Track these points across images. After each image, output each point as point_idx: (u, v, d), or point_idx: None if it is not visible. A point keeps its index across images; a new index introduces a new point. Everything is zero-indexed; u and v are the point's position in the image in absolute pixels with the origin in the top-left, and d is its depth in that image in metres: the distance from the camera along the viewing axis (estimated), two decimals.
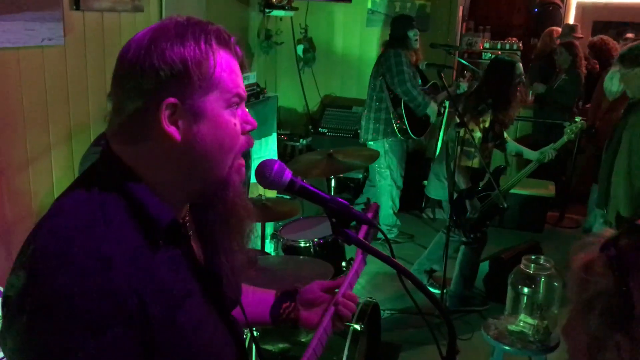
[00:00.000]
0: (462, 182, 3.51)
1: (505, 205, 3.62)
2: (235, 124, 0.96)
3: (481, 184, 3.65)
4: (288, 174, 1.06)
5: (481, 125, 3.49)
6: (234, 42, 0.98)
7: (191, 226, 1.03)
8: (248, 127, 0.98)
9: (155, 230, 0.92)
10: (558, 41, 5.70)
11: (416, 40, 4.50)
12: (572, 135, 3.55)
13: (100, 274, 0.83)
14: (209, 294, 1.01)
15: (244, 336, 1.25)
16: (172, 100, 0.89)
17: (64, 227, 0.87)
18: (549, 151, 3.59)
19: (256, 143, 4.13)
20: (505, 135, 3.76)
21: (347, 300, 1.28)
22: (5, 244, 2.45)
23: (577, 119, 3.66)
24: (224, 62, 0.94)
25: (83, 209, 0.89)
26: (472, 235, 3.67)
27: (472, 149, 3.44)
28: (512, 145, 3.85)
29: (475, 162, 3.50)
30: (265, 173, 1.05)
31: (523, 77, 3.56)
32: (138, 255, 0.88)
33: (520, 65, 3.54)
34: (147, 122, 0.91)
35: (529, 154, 3.79)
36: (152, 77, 0.89)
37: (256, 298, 1.32)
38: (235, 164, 0.98)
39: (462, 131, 3.37)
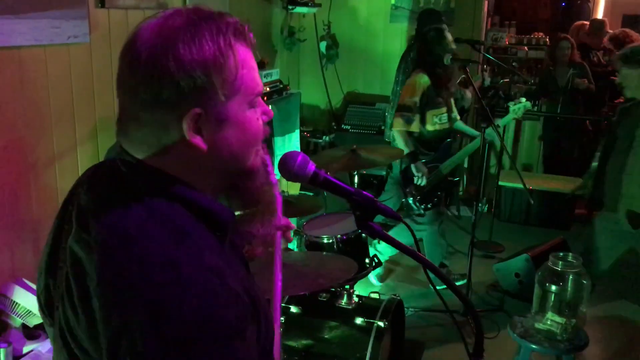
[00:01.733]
0: (402, 144, 3.58)
1: (532, 201, 3.57)
2: (257, 119, 0.93)
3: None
4: (312, 166, 1.04)
5: (417, 89, 3.53)
6: (248, 30, 0.91)
7: None
8: (265, 118, 0.95)
9: (223, 229, 0.90)
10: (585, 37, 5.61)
11: None
12: (518, 114, 3.58)
13: (221, 284, 0.81)
14: (251, 278, 1.01)
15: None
16: (196, 111, 0.84)
17: (154, 254, 0.80)
18: (487, 132, 3.59)
19: (279, 140, 4.13)
20: (454, 114, 3.80)
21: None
22: (34, 240, 2.49)
23: (522, 99, 3.67)
24: (243, 60, 0.88)
25: (155, 228, 0.82)
26: (422, 206, 3.65)
27: (410, 114, 3.50)
28: (459, 124, 3.88)
29: (414, 127, 3.54)
30: (288, 165, 1.04)
31: (453, 47, 3.57)
32: (223, 257, 0.87)
33: (450, 35, 3.58)
34: (168, 133, 0.86)
35: (473, 132, 3.85)
36: (172, 88, 0.82)
37: None
38: (257, 153, 0.96)
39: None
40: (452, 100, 3.81)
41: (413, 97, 3.51)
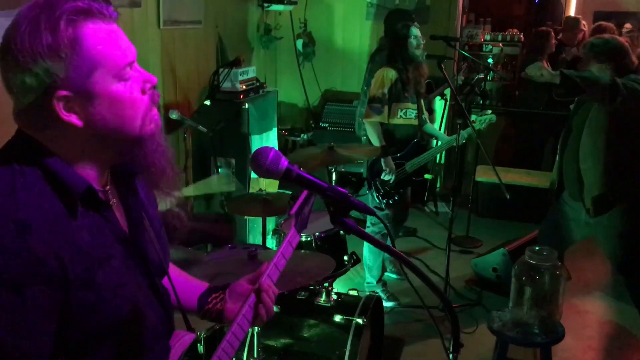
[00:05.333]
0: (374, 137, 3.58)
1: (508, 196, 3.60)
2: (131, 92, 0.98)
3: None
4: (284, 162, 1.03)
5: (386, 82, 3.55)
6: (103, 6, 0.95)
7: (114, 195, 1.08)
8: (148, 85, 1.00)
9: (72, 197, 0.97)
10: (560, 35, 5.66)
11: None
12: (482, 126, 3.68)
13: (17, 237, 0.89)
14: (132, 258, 1.06)
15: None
16: (62, 92, 0.92)
17: None
18: (462, 134, 3.65)
19: (257, 138, 4.11)
20: (425, 115, 3.87)
21: (268, 288, 1.25)
22: None
23: (488, 111, 3.77)
24: (96, 36, 0.93)
25: (3, 178, 0.94)
26: (385, 201, 3.70)
27: (379, 105, 3.54)
28: (429, 127, 3.95)
29: (383, 117, 3.56)
30: (260, 161, 1.03)
31: (420, 38, 3.61)
32: (57, 220, 0.94)
33: (415, 28, 3.62)
34: (45, 113, 0.94)
35: (442, 137, 3.96)
36: (30, 74, 0.91)
37: (189, 285, 1.35)
38: (146, 121, 1.01)
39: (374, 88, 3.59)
40: (423, 102, 3.83)
41: (382, 88, 3.56)
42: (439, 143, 4.04)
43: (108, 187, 1.07)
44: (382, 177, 3.62)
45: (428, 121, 3.97)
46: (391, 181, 3.63)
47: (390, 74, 3.57)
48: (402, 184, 3.72)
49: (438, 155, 5.47)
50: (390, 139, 3.64)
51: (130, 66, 0.98)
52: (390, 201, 3.71)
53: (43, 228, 0.91)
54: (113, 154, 1.03)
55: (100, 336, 1.00)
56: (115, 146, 1.01)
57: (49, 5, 0.92)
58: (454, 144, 3.67)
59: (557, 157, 3.21)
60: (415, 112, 3.68)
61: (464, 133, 3.64)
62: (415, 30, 3.61)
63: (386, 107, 3.55)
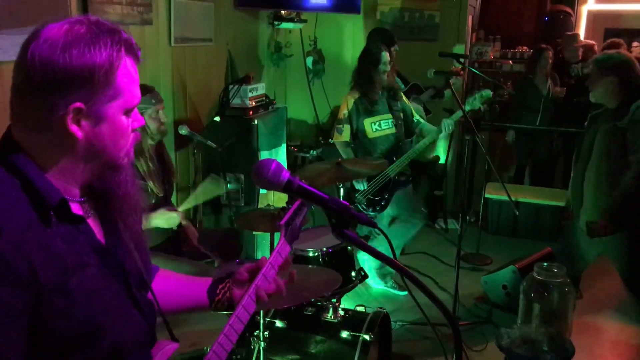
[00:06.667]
0: (342, 153, 3.83)
1: (517, 212, 3.59)
2: (128, 127, 1.09)
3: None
4: (286, 174, 1.04)
5: (348, 105, 3.86)
6: (137, 48, 1.07)
7: (91, 206, 1.13)
8: (136, 125, 1.11)
9: (46, 207, 1.01)
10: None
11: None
12: (479, 104, 3.67)
13: None
14: (108, 268, 1.10)
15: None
16: (78, 104, 0.99)
17: None
18: (448, 122, 3.73)
19: (266, 154, 4.13)
20: (417, 117, 4.02)
21: (267, 279, 1.30)
22: None
23: (483, 91, 3.77)
24: (128, 72, 1.05)
25: None
26: (370, 210, 3.85)
27: (340, 125, 3.87)
28: (424, 125, 4.02)
29: (345, 136, 3.83)
30: (262, 173, 1.04)
31: (388, 64, 3.81)
32: (30, 226, 0.98)
33: (386, 54, 3.79)
34: (50, 116, 1.00)
35: (429, 130, 4.00)
36: (62, 79, 0.97)
37: (194, 283, 1.39)
38: (127, 153, 1.11)
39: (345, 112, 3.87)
40: (410, 105, 4.02)
41: (343, 110, 3.86)
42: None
43: (84, 198, 1.11)
44: (356, 187, 3.79)
45: (422, 120, 4.06)
46: (364, 188, 3.77)
47: (351, 95, 3.86)
48: (386, 189, 3.85)
49: (447, 170, 5.46)
50: (375, 150, 3.83)
51: (135, 107, 1.10)
52: (378, 208, 3.84)
53: (14, 232, 0.95)
54: (90, 174, 1.09)
55: (75, 342, 1.02)
56: (97, 166, 1.08)
57: (109, 31, 1.02)
58: (436, 137, 3.80)
59: (572, 173, 3.20)
60: (390, 121, 3.88)
61: (446, 124, 3.69)
62: (386, 57, 3.79)
63: (347, 127, 3.82)
